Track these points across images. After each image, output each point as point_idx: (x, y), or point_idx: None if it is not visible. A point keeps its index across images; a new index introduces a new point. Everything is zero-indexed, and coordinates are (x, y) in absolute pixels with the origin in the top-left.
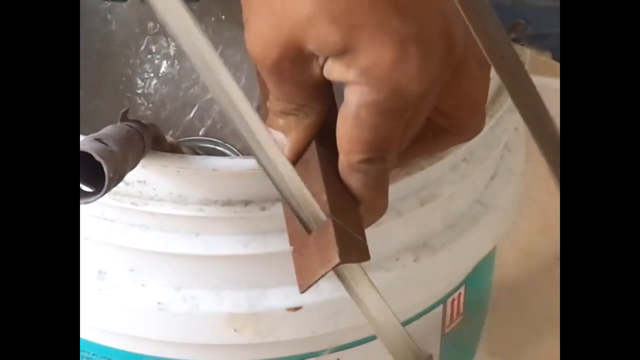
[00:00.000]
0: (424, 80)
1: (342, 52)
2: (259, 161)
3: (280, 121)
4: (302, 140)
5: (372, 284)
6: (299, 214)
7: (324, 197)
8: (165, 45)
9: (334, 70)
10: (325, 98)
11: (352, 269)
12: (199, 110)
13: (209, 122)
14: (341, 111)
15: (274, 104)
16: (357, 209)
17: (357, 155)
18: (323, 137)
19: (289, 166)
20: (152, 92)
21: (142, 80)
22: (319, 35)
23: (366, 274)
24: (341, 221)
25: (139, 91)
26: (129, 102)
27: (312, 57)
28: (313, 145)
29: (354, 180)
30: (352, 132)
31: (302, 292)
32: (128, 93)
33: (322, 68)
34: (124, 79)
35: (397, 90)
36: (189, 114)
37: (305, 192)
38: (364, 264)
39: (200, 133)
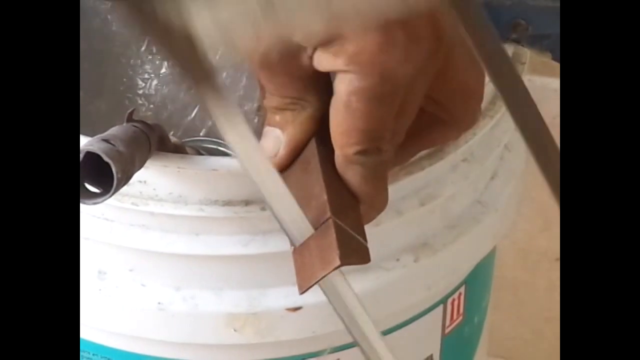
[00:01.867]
0: (411, 64)
1: (329, 41)
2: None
3: (277, 117)
4: (299, 134)
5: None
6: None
7: (325, 197)
8: None
9: (322, 60)
10: (319, 90)
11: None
12: (200, 110)
13: (210, 122)
14: (332, 103)
15: (269, 100)
16: (358, 209)
17: (352, 147)
18: (323, 136)
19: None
20: (153, 92)
21: (142, 81)
22: (304, 26)
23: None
24: (342, 222)
25: (140, 92)
26: (129, 103)
27: (300, 48)
28: (313, 145)
29: (351, 174)
30: (345, 122)
31: (302, 293)
32: (129, 94)
33: (311, 59)
34: (124, 79)
35: (386, 75)
36: (190, 114)
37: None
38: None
39: (202, 134)
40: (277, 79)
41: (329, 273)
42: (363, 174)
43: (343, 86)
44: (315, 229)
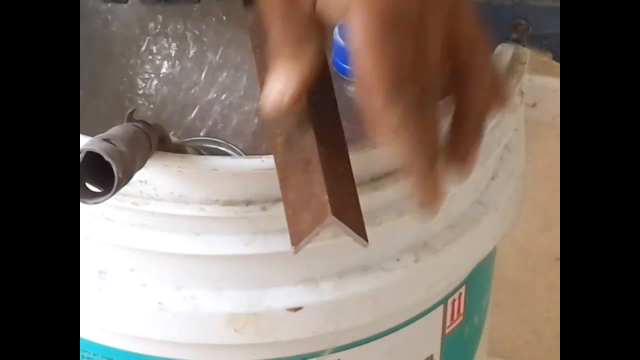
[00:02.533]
0: None
1: None
2: None
3: (283, 55)
4: (308, 68)
5: None
6: None
7: (326, 197)
8: (166, 46)
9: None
10: (318, 42)
11: None
12: (200, 110)
13: (210, 122)
14: (352, 51)
15: (275, 42)
16: (359, 209)
17: (383, 94)
18: (324, 136)
19: None
20: (153, 92)
21: (142, 81)
22: None
23: None
24: (343, 222)
25: (140, 92)
26: (129, 103)
27: None
28: (314, 144)
29: (392, 118)
30: (367, 63)
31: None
32: (129, 94)
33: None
34: (124, 79)
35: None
36: (190, 114)
37: None
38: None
39: (202, 134)
40: (283, 21)
41: (321, 229)
42: (403, 112)
43: (356, 21)
44: (315, 229)
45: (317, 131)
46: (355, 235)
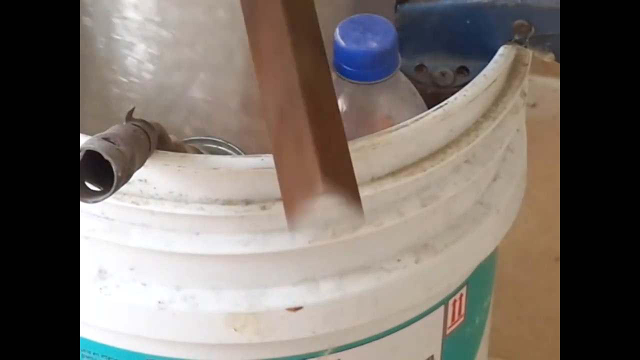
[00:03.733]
0: None
1: None
2: None
3: None
4: None
5: None
6: None
7: (317, 168)
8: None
9: None
10: None
11: None
12: (187, 111)
13: (198, 123)
14: None
15: None
16: (353, 180)
17: None
18: (317, 112)
19: None
20: (152, 94)
21: (139, 84)
22: None
23: None
24: (337, 192)
25: (137, 95)
26: (128, 105)
27: None
28: (306, 119)
29: None
30: None
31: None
32: (123, 95)
33: None
34: (124, 80)
35: None
36: (178, 115)
37: None
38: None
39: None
40: None
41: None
42: None
43: None
44: (309, 200)
45: (309, 109)
46: (350, 205)
